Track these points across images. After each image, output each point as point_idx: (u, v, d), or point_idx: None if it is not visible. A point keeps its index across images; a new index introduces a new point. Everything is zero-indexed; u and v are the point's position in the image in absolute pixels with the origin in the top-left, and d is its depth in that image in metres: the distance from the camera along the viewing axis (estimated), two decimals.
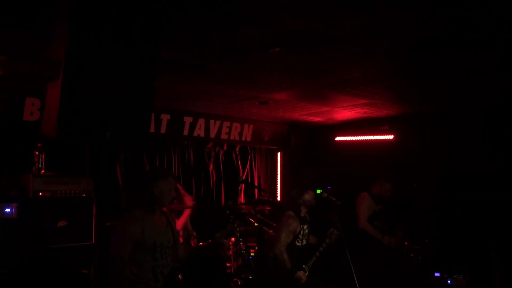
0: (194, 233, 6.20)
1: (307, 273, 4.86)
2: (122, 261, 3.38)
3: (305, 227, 5.05)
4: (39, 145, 5.07)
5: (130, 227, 3.47)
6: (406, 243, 6.21)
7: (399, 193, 6.50)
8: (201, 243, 5.93)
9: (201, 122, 7.20)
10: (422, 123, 7.06)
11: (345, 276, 4.52)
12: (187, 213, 6.20)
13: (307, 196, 5.06)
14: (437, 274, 6.08)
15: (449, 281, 5.96)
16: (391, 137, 7.46)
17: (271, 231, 6.25)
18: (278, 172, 8.81)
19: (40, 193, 4.89)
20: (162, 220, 3.66)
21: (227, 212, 6.01)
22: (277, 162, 8.84)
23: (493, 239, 6.00)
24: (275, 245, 4.86)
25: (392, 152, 7.29)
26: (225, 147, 8.03)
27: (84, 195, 5.20)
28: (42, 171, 5.04)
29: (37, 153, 5.07)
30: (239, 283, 5.84)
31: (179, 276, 3.70)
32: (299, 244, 4.98)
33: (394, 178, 6.15)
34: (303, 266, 4.87)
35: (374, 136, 7.65)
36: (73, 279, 4.93)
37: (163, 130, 6.72)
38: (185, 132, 7.04)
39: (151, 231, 3.48)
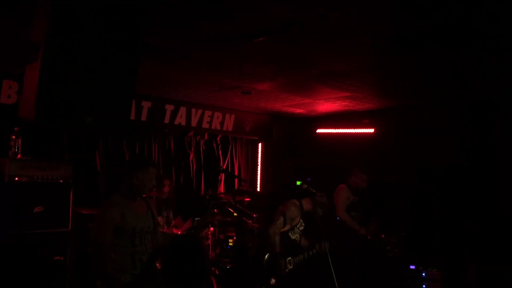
0: (173, 222, 6.18)
1: (291, 266, 4.89)
2: (101, 246, 3.36)
3: (303, 223, 5.09)
4: (15, 129, 4.97)
5: (110, 212, 3.47)
6: (383, 235, 6.29)
7: (377, 185, 6.58)
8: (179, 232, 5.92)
9: (183, 110, 7.15)
10: (402, 117, 7.13)
11: (323, 268, 4.57)
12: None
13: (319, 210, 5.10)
14: (412, 267, 6.18)
15: (423, 274, 6.07)
16: (371, 130, 7.52)
17: (250, 221, 6.27)
18: (259, 163, 8.81)
19: (16, 178, 4.80)
20: (142, 206, 3.67)
21: (211, 203, 5.99)
22: (258, 152, 8.83)
23: (468, 232, 6.12)
24: (271, 226, 4.95)
25: (372, 145, 7.35)
26: (206, 136, 8.00)
27: (61, 181, 5.13)
28: (19, 155, 4.95)
29: (13, 137, 4.97)
30: (217, 272, 5.85)
31: (157, 264, 3.69)
32: (291, 236, 5.02)
33: (369, 170, 6.23)
34: (289, 258, 4.90)
35: (355, 129, 7.70)
36: (49, 265, 4.87)
37: (143, 117, 6.64)
38: (166, 120, 6.98)
39: (131, 217, 3.49)
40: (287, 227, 5.01)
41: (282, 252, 4.90)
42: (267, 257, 4.88)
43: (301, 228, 5.13)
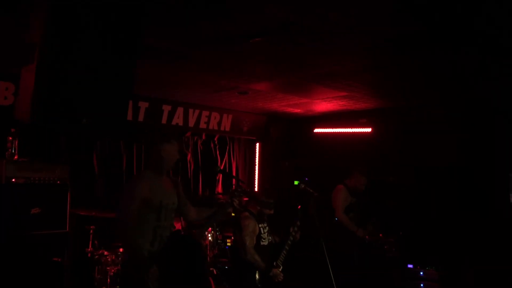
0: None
1: (281, 268, 4.86)
2: (130, 216, 3.48)
3: (264, 225, 5.05)
4: (12, 130, 4.94)
5: (139, 185, 3.62)
6: (380, 235, 6.29)
7: (376, 185, 6.57)
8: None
9: (180, 111, 7.12)
10: (401, 117, 7.14)
11: (320, 268, 4.54)
12: None
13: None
14: (410, 266, 6.19)
15: (421, 273, 6.08)
16: (368, 130, 7.52)
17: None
18: (256, 163, 8.80)
19: (13, 180, 4.77)
20: (168, 182, 3.84)
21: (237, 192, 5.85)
22: (255, 152, 8.83)
23: (467, 232, 6.14)
24: (245, 252, 4.84)
25: (370, 144, 7.36)
26: (203, 137, 7.98)
27: (58, 182, 5.10)
28: (16, 157, 4.92)
29: (10, 138, 4.94)
30: (215, 272, 5.83)
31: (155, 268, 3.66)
32: (264, 243, 4.97)
33: (368, 172, 6.21)
34: (275, 262, 4.87)
35: (352, 129, 7.71)
36: (46, 267, 4.85)
37: (141, 118, 6.62)
38: (164, 121, 6.96)
39: (158, 191, 3.63)
40: (255, 239, 4.97)
41: (267, 263, 4.87)
42: (258, 275, 4.84)
43: (266, 229, 5.09)
